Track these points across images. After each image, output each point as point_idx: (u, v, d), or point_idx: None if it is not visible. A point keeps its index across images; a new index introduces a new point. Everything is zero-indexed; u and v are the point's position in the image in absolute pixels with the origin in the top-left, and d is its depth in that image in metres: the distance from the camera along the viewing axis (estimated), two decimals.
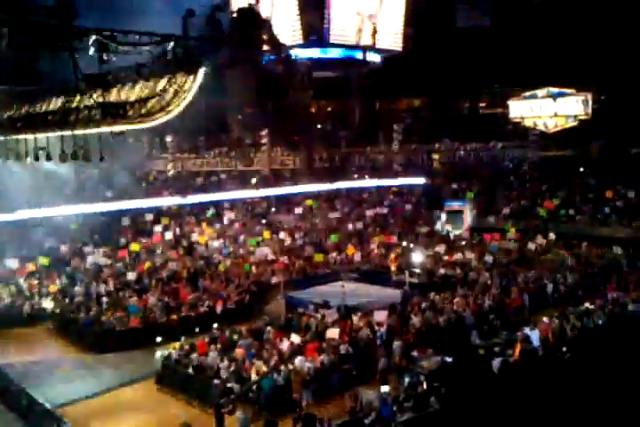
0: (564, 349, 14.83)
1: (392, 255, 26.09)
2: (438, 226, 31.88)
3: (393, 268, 25.04)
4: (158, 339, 18.50)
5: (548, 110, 38.61)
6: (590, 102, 37.50)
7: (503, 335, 17.01)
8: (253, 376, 15.58)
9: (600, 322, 17.09)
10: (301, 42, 42.67)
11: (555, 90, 38.31)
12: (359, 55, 44.52)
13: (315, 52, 43.38)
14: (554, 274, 22.81)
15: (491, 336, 17.24)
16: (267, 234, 30.08)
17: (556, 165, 36.17)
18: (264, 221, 32.97)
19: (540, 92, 38.99)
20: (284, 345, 16.93)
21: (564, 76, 37.64)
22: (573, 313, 17.74)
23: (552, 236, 27.62)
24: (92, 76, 20.12)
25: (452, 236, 30.76)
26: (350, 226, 32.04)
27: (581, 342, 15.42)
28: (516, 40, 41.11)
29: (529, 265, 24.54)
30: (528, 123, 39.80)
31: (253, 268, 25.93)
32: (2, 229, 26.06)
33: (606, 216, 29.20)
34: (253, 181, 37.54)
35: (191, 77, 17.76)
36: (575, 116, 37.98)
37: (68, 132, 21.96)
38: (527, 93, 39.53)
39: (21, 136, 24.08)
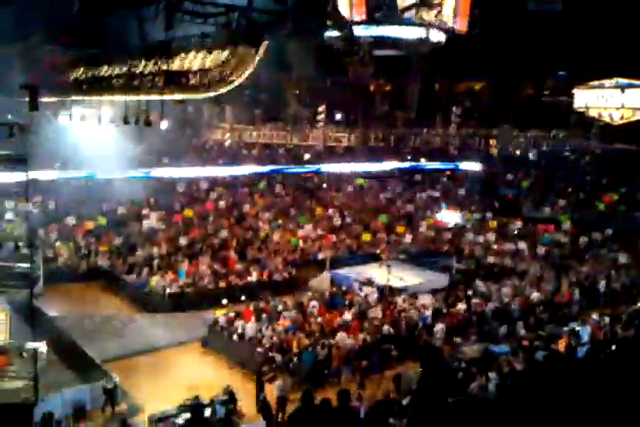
0: (614, 347, 14.49)
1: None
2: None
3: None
4: (206, 304, 18.96)
5: (615, 102, 37.19)
6: None
7: (549, 329, 16.78)
8: (295, 348, 15.87)
9: None
10: (365, 19, 41.99)
11: (623, 81, 36.81)
12: (422, 34, 43.54)
13: (377, 30, 42.61)
14: (607, 271, 22.24)
15: (536, 329, 17.02)
16: (318, 210, 30.27)
17: (618, 158, 34.98)
18: (314, 197, 33.11)
19: (607, 83, 37.55)
20: (336, 322, 17.11)
21: (634, 66, 36.09)
22: (626, 312, 17.32)
23: (609, 231, 26.86)
24: (157, 43, 20.44)
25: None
26: (400, 206, 31.88)
27: (632, 343, 15.04)
28: (587, 26, 39.51)
29: (582, 260, 23.97)
30: (593, 113, 38.45)
31: (301, 242, 26.17)
32: (64, 188, 26.93)
33: None
34: (306, 156, 37.60)
35: (253, 49, 17.83)
36: None
37: (131, 97, 22.49)
38: (594, 83, 38.14)
39: (86, 98, 24.77)
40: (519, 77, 46.19)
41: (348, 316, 17.51)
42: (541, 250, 25.08)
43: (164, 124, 22.76)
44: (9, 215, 24.43)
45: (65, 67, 26.07)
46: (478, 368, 13.56)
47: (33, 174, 19.19)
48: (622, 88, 36.76)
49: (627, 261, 23.35)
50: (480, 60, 42.83)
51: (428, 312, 17.74)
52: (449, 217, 29.45)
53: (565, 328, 16.12)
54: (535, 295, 19.56)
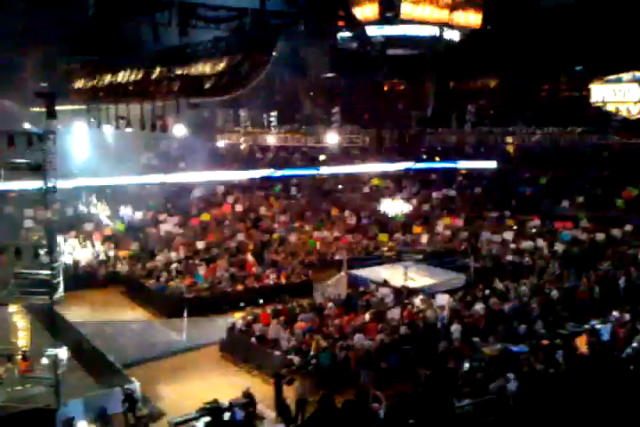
0: (635, 345, 14.33)
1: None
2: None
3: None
4: (224, 308, 19.05)
5: (633, 95, 36.64)
6: None
7: (569, 327, 16.62)
8: (312, 350, 15.87)
9: None
10: (377, 18, 41.93)
11: None
12: (436, 33, 43.37)
13: (390, 30, 42.52)
14: (628, 267, 21.95)
15: (556, 327, 16.86)
16: (334, 211, 30.34)
17: (637, 152, 34.51)
18: (330, 199, 33.15)
19: (624, 76, 37.01)
20: (355, 322, 17.11)
21: None
22: None
23: (628, 227, 26.52)
24: (172, 49, 20.63)
25: None
26: (416, 205, 31.80)
27: None
28: (602, 20, 39.04)
29: (601, 256, 23.69)
30: (610, 108, 37.95)
31: (318, 244, 26.22)
32: (82, 195, 27.29)
33: None
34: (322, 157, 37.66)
35: (266, 52, 17.92)
36: None
37: (147, 103, 22.71)
38: (611, 77, 37.66)
39: (103, 105, 25.05)
40: (534, 74, 45.80)
41: (365, 317, 17.48)
42: (560, 247, 24.84)
43: (179, 130, 22.84)
44: (28, 223, 24.89)
45: (80, 74, 26.39)
46: (497, 368, 13.50)
47: (51, 182, 19.49)
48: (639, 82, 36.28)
49: None
50: (494, 57, 42.55)
51: (446, 312, 17.64)
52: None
53: (586, 326, 15.98)
54: (554, 293, 19.38)
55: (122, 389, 13.63)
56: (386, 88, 47.85)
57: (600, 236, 26.03)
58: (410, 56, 45.52)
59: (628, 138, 36.51)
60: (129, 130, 23.28)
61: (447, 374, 13.75)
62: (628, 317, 16.42)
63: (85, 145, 27.11)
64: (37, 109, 21.40)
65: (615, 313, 16.58)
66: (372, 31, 40.91)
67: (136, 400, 13.57)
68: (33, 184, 20.41)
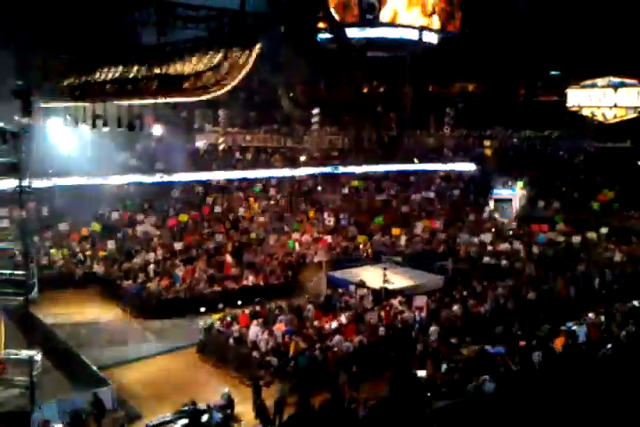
0: (609, 346, 14.53)
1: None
2: (486, 214, 31.33)
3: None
4: (202, 309, 18.92)
5: (608, 101, 37.27)
6: None
7: (545, 329, 16.79)
8: (291, 352, 15.83)
9: None
10: (357, 21, 42.02)
11: (616, 80, 36.91)
12: (414, 36, 43.60)
13: (370, 32, 42.66)
14: (602, 269, 22.28)
15: (533, 329, 17.02)
16: (311, 213, 30.30)
17: (612, 157, 35.07)
18: (310, 200, 33.10)
19: (600, 82, 37.61)
20: (332, 325, 17.08)
21: (627, 65, 36.21)
22: (620, 311, 17.35)
23: (603, 230, 26.91)
24: (151, 48, 20.40)
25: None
26: (395, 207, 31.93)
27: (627, 341, 15.07)
28: (578, 26, 39.66)
29: (576, 259, 24.01)
30: (586, 112, 38.54)
31: (297, 245, 26.17)
32: (57, 195, 26.88)
33: None
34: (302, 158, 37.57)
35: (247, 52, 17.82)
36: (635, 108, 36.57)
37: (124, 102, 22.45)
38: (587, 82, 38.24)
39: (80, 104, 24.67)
40: (512, 78, 46.35)
41: (343, 319, 17.48)
42: (537, 250, 25.11)
43: (157, 130, 22.59)
44: (3, 223, 24.43)
45: (57, 72, 25.97)
46: (474, 369, 13.58)
47: (26, 182, 19.16)
48: (615, 87, 36.86)
49: (621, 260, 23.40)
50: (473, 61, 42.96)
51: (424, 314, 17.73)
52: None
53: (562, 328, 16.14)
54: (531, 295, 19.58)
55: (92, 394, 13.38)
56: (365, 90, 47.98)
57: (576, 238, 26.36)
58: (389, 58, 45.74)
59: (603, 142, 37.11)
60: (106, 129, 22.98)
61: (413, 379, 13.79)
62: (603, 318, 16.66)
63: (61, 144, 26.65)
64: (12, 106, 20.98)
65: (591, 315, 16.80)
66: (352, 33, 41.03)
67: (104, 407, 13.32)
68: (7, 183, 20.11)
